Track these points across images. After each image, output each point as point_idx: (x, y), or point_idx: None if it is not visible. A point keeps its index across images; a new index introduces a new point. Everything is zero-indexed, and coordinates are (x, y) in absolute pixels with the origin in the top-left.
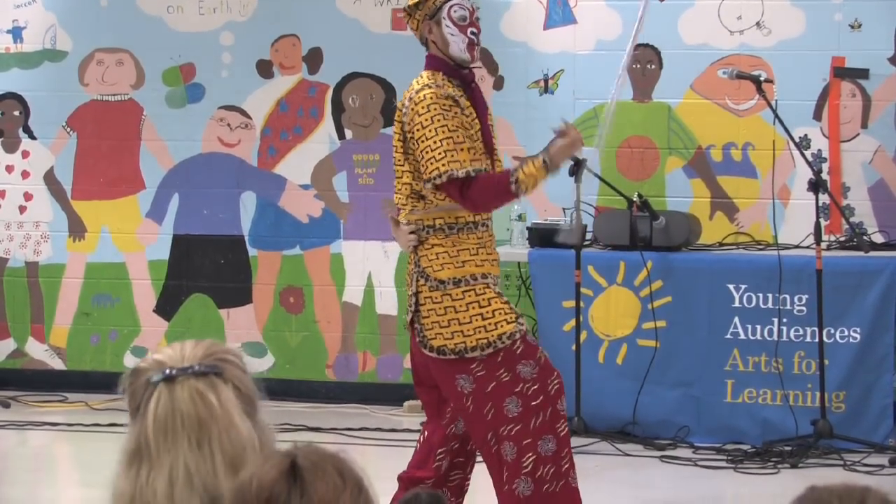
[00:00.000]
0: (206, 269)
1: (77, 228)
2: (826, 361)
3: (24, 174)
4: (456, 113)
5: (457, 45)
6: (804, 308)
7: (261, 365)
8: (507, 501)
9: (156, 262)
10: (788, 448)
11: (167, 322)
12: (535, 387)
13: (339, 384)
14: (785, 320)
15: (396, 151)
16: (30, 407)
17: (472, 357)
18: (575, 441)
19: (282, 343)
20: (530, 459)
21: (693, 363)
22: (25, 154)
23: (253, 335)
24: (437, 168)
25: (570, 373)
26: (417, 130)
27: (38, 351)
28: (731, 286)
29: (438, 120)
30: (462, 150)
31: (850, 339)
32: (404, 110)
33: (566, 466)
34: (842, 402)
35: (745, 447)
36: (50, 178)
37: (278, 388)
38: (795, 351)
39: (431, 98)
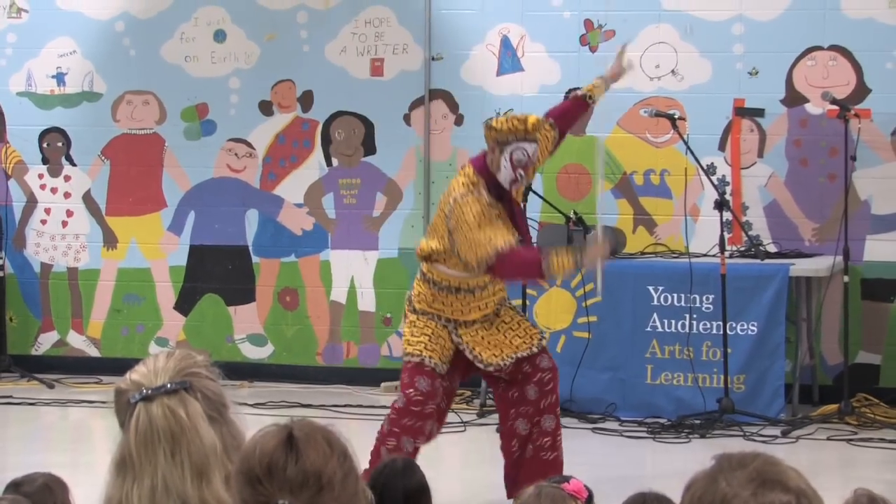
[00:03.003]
0: (217, 274)
1: (110, 240)
2: (729, 350)
3: (66, 195)
4: (489, 210)
5: (504, 176)
6: (711, 306)
7: (262, 353)
8: None
9: (175, 268)
10: (698, 422)
11: (185, 317)
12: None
13: (327, 368)
14: (695, 316)
15: (437, 223)
16: (70, 388)
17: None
18: None
19: (279, 334)
20: (391, 443)
21: (619, 351)
22: (67, 178)
23: (255, 328)
24: (480, 254)
25: None
26: (456, 225)
27: (77, 341)
28: (650, 288)
29: (473, 214)
30: (492, 229)
31: (749, 332)
32: (448, 209)
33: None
34: (742, 384)
35: (662, 421)
36: (87, 198)
37: (277, 372)
38: (703, 341)
39: (469, 201)
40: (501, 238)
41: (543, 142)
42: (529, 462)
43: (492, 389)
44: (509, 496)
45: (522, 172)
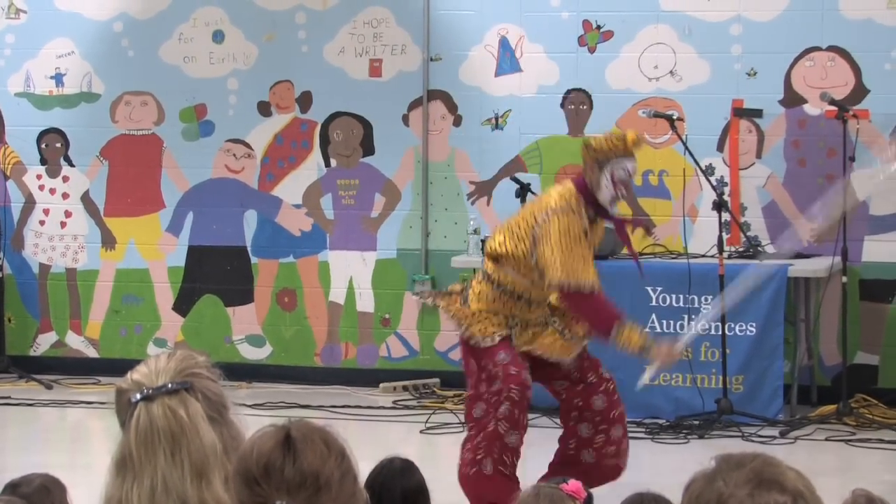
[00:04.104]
0: (215, 274)
1: (109, 240)
2: (727, 350)
3: (65, 196)
4: (585, 237)
5: (605, 195)
6: (709, 307)
7: (260, 353)
8: None
9: (174, 269)
10: (696, 422)
11: (183, 318)
12: None
13: (325, 369)
14: (693, 317)
15: (519, 227)
16: (69, 388)
17: None
18: None
19: (278, 335)
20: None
21: (618, 352)
22: (66, 179)
23: (254, 329)
24: (565, 276)
25: None
26: (545, 235)
27: (75, 342)
28: (648, 288)
29: (572, 240)
30: (584, 262)
31: (748, 333)
32: (541, 216)
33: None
34: (740, 384)
35: (660, 421)
36: (86, 199)
37: (275, 373)
38: (702, 342)
39: (570, 218)
40: (593, 274)
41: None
42: (590, 467)
43: (549, 389)
44: None
45: (624, 190)
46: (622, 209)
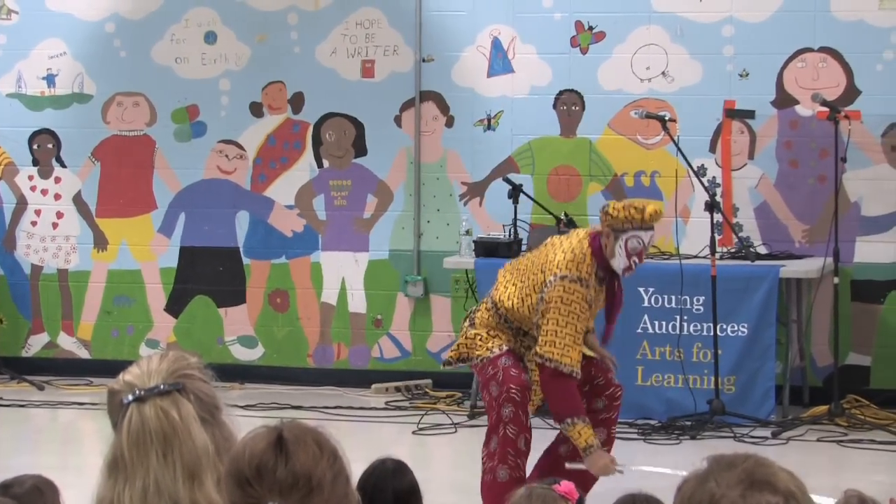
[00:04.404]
0: (207, 275)
1: (100, 241)
2: (720, 351)
3: (57, 196)
4: (586, 310)
5: (618, 263)
6: (701, 307)
7: (253, 354)
8: None
9: (166, 269)
10: (689, 423)
11: (175, 319)
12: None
13: (317, 370)
14: (685, 317)
15: (527, 278)
16: (60, 389)
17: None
18: None
19: (270, 336)
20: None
21: (610, 352)
22: (58, 180)
23: (246, 330)
24: (552, 353)
25: None
26: (549, 301)
27: (67, 343)
28: (641, 289)
29: (574, 312)
30: (575, 342)
31: (740, 333)
32: (550, 277)
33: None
34: (732, 385)
35: (653, 422)
36: (78, 200)
37: (267, 374)
38: (694, 343)
39: (576, 290)
40: (577, 358)
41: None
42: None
43: None
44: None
45: (637, 260)
46: None
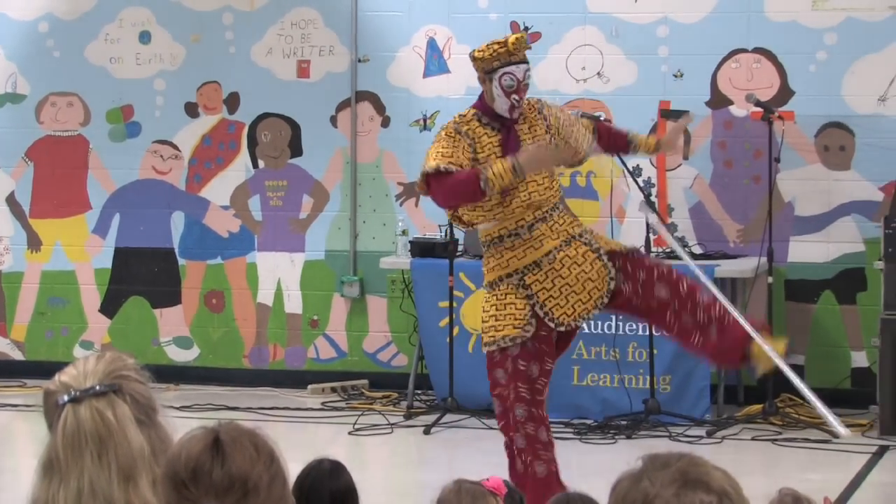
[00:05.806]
0: (142, 276)
1: (34, 242)
2: (655, 351)
3: None
4: (455, 139)
5: (500, 105)
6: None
7: (188, 356)
8: None
9: (101, 270)
10: (624, 422)
11: (110, 320)
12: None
13: (253, 371)
14: (621, 317)
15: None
16: None
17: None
18: (449, 417)
19: (206, 337)
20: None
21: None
22: None
23: (182, 331)
24: (421, 169)
25: (444, 360)
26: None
27: (1, 344)
28: None
29: (437, 143)
30: (441, 155)
31: None
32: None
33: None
34: (668, 385)
35: (588, 422)
36: (11, 201)
37: (203, 375)
38: (630, 342)
39: (443, 128)
40: (444, 159)
41: (579, 131)
42: (721, 340)
43: (628, 313)
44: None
45: (517, 97)
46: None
